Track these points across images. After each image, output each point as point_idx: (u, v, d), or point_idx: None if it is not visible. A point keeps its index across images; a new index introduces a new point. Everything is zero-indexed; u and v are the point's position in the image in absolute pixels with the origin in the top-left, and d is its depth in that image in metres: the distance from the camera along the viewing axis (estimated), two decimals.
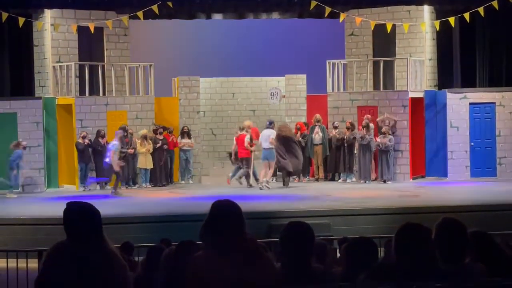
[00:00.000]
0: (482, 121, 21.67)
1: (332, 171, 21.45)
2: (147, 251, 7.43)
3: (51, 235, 13.48)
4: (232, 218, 4.68)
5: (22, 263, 11.53)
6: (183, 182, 21.80)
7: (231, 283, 4.48)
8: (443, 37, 22.58)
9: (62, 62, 21.24)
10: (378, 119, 21.06)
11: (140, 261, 7.81)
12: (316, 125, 21.28)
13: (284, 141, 19.84)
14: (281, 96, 23.33)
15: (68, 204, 4.77)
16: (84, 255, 4.56)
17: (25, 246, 13.35)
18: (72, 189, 20.49)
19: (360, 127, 20.88)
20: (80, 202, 4.81)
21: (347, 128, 20.96)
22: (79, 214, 4.69)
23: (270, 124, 20.27)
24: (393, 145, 20.74)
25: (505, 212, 16.00)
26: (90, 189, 20.35)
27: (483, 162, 21.65)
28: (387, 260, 4.87)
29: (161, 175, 21.10)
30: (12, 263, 11.41)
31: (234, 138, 20.38)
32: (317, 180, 21.34)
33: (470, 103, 21.61)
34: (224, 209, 4.73)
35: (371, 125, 20.87)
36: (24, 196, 19.49)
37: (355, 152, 21.00)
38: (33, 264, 10.84)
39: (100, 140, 20.34)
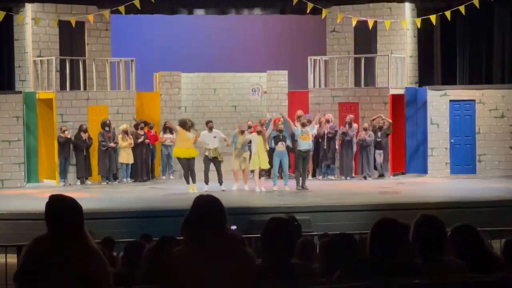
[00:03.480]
0: (462, 118, 21.79)
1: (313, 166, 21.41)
2: (125, 246, 7.41)
3: (31, 230, 13.43)
4: (214, 213, 4.69)
5: (1, 258, 11.48)
6: (164, 177, 21.76)
7: (210, 278, 4.48)
8: (424, 35, 22.69)
9: (42, 57, 21.14)
10: (372, 119, 20.98)
11: (120, 256, 7.80)
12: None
13: None
14: (262, 92, 23.33)
15: (50, 197, 4.75)
16: (63, 250, 4.54)
17: (4, 241, 13.29)
18: (52, 184, 20.40)
19: (342, 124, 20.91)
20: (63, 196, 4.79)
21: (327, 121, 20.87)
22: (62, 207, 4.68)
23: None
24: (373, 140, 20.80)
25: (484, 209, 16.11)
26: (70, 184, 20.29)
27: (463, 159, 21.77)
28: (364, 256, 4.89)
29: (142, 170, 21.06)
30: None
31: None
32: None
33: (450, 100, 21.72)
34: (207, 204, 4.73)
35: (355, 125, 20.89)
36: (4, 191, 19.39)
37: (337, 147, 21.01)
38: (12, 259, 10.80)
39: (82, 134, 20.27)
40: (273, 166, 18.89)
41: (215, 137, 18.53)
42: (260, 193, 18.25)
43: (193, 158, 18.46)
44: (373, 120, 20.95)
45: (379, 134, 20.84)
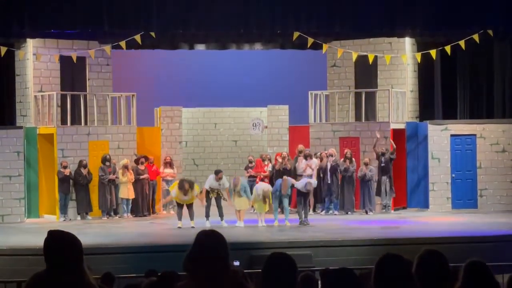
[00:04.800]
0: (463, 153, 21.78)
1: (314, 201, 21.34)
2: (125, 286, 7.35)
3: (31, 265, 13.37)
4: (216, 248, 4.66)
5: None
6: (164, 212, 21.70)
7: None
8: (424, 69, 22.77)
9: (44, 92, 21.20)
10: (373, 146, 20.87)
11: None
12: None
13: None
14: (263, 127, 23.36)
15: (49, 233, 4.73)
16: (61, 286, 4.51)
17: (3, 277, 13.22)
18: (52, 219, 20.35)
19: (342, 159, 20.88)
20: (62, 231, 4.76)
21: (330, 155, 20.84)
22: (60, 243, 4.65)
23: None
24: (374, 175, 20.77)
25: (485, 244, 16.04)
26: (70, 219, 20.23)
27: (464, 194, 21.71)
28: None
29: (143, 205, 21.01)
30: None
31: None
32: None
33: (451, 135, 21.73)
34: (210, 239, 4.70)
35: (354, 159, 20.88)
36: (3, 226, 19.33)
37: (338, 182, 20.96)
38: None
39: (82, 170, 20.25)
40: (273, 201, 18.83)
41: (220, 184, 18.53)
42: (261, 228, 18.19)
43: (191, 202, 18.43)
44: (374, 146, 20.89)
45: (382, 159, 20.79)
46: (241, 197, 18.51)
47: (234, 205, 18.54)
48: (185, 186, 18.08)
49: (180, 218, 18.28)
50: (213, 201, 18.64)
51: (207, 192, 18.53)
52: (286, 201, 18.73)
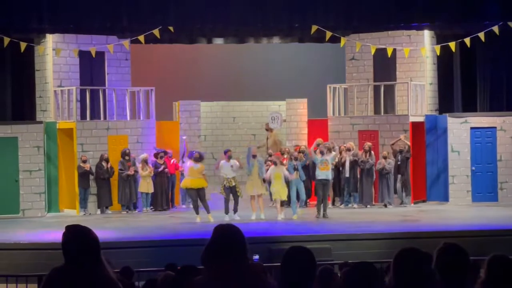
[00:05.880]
0: (483, 146, 21.66)
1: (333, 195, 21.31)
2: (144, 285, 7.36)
3: (51, 260, 13.44)
4: (234, 243, 4.67)
5: None
6: (184, 206, 21.74)
7: None
8: (443, 62, 22.64)
9: (63, 87, 21.28)
10: (392, 143, 20.83)
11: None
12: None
13: None
14: (281, 121, 23.35)
15: (66, 228, 4.76)
16: (80, 280, 4.53)
17: (24, 271, 13.31)
18: (72, 213, 20.45)
19: (361, 152, 20.84)
20: (78, 226, 4.80)
21: (348, 150, 20.85)
22: (77, 238, 4.68)
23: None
24: (392, 168, 20.71)
25: (506, 238, 15.95)
26: (90, 214, 20.32)
27: (485, 187, 21.60)
28: (386, 286, 4.85)
29: (162, 199, 21.07)
30: None
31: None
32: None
33: (471, 128, 21.61)
34: (227, 233, 4.71)
35: (373, 152, 20.82)
36: (24, 221, 19.45)
37: (358, 175, 20.92)
38: None
39: (104, 164, 20.32)
40: (291, 195, 18.83)
41: (232, 166, 18.50)
42: (280, 222, 18.17)
43: (203, 189, 18.38)
44: (392, 144, 20.84)
45: (399, 157, 20.73)
46: (256, 179, 18.44)
47: (247, 190, 18.53)
48: (195, 154, 18.36)
49: (197, 212, 18.32)
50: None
51: (224, 186, 18.48)
52: (302, 193, 18.74)
